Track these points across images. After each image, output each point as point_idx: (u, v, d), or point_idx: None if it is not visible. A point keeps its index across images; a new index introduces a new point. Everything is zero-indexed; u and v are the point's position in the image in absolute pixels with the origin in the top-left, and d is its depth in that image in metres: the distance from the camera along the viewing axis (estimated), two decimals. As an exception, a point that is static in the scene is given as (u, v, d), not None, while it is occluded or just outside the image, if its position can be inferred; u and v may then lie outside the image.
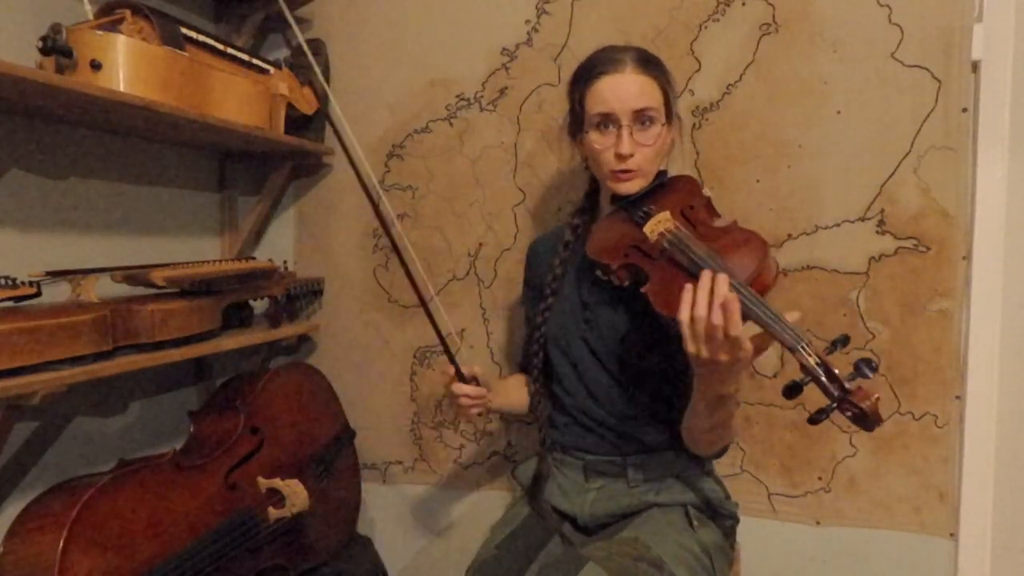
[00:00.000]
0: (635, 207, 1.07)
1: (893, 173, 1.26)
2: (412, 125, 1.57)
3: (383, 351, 1.63)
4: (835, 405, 0.79)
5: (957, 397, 1.26)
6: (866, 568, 1.32)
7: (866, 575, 1.33)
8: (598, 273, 1.06)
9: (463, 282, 1.55)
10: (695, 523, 1.04)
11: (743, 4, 1.33)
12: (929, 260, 1.25)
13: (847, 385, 0.78)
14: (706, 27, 1.35)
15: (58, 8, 1.19)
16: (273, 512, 1.26)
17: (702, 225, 1.01)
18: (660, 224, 1.00)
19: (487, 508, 1.57)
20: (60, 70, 1.08)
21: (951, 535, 1.27)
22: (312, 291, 1.61)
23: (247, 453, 1.28)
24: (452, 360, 1.13)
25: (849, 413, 0.78)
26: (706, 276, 0.85)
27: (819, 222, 1.31)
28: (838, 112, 1.28)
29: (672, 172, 1.15)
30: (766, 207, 1.33)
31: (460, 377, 1.12)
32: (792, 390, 0.80)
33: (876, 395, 0.77)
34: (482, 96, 1.51)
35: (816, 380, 0.79)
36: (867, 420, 0.77)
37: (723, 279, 0.83)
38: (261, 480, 1.28)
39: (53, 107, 1.11)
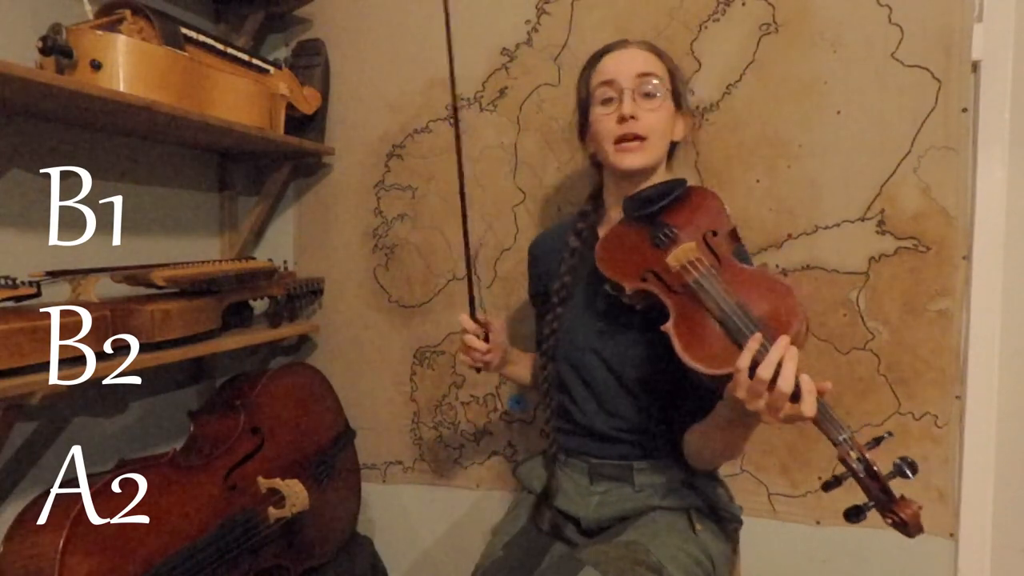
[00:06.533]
0: (654, 224, 1.00)
1: (893, 173, 1.26)
2: (412, 125, 1.57)
3: (383, 351, 1.63)
4: (873, 505, 0.76)
5: (957, 397, 1.26)
6: (866, 568, 1.32)
7: (866, 575, 1.33)
8: (607, 287, 1.02)
9: (463, 282, 1.54)
10: (697, 527, 1.03)
11: (743, 4, 1.33)
12: (929, 260, 1.25)
13: (890, 489, 0.75)
14: (706, 27, 1.35)
15: (58, 8, 1.19)
16: (273, 512, 1.26)
17: (726, 261, 0.94)
18: (685, 255, 0.94)
19: (487, 508, 1.57)
20: (60, 70, 1.08)
21: (951, 535, 1.27)
22: (312, 291, 1.60)
23: (247, 453, 1.28)
24: (471, 295, 1.11)
25: (890, 520, 0.76)
26: (783, 342, 0.80)
27: (819, 222, 1.31)
28: (838, 112, 1.28)
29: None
30: (766, 207, 1.33)
31: (471, 315, 1.11)
32: (831, 486, 0.78)
33: (919, 505, 0.75)
34: (482, 96, 1.50)
35: (856, 478, 0.77)
36: (907, 529, 0.74)
37: (794, 353, 0.79)
38: (261, 480, 1.27)
39: (53, 107, 1.11)
